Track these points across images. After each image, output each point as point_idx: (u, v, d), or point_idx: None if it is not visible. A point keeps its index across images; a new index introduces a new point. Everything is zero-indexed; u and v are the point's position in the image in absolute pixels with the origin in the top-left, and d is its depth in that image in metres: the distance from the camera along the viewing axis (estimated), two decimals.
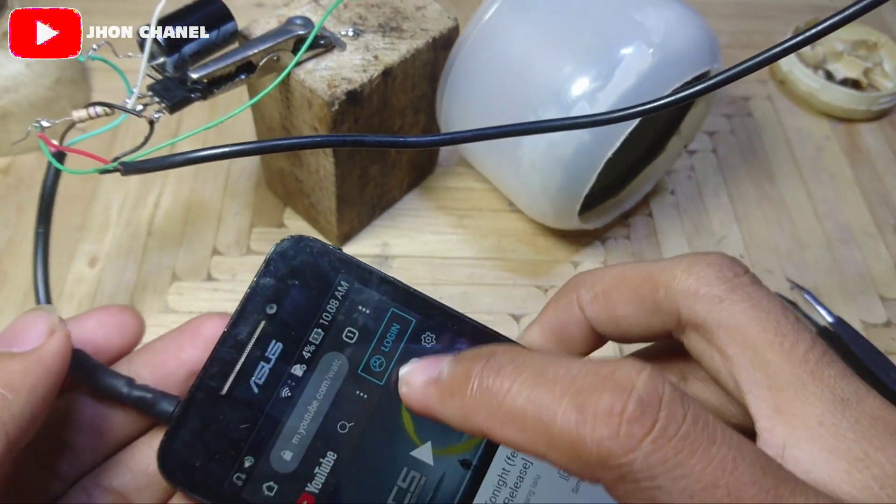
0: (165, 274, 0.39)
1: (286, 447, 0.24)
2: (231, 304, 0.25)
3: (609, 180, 0.41)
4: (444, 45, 0.35)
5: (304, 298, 0.25)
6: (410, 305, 0.26)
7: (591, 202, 0.41)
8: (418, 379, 0.23)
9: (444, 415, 0.21)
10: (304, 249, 0.25)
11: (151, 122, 0.26)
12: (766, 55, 0.23)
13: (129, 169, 0.23)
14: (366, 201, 0.40)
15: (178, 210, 0.42)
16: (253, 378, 0.24)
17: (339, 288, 0.25)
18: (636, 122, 0.32)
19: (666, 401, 0.18)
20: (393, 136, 0.23)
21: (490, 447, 0.25)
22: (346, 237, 0.41)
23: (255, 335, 0.24)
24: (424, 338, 0.25)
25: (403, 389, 0.23)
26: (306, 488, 0.24)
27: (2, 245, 0.40)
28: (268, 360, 0.24)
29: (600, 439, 0.18)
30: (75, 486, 0.23)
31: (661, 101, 0.25)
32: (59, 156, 0.24)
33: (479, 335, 0.26)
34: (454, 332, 0.26)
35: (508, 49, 0.34)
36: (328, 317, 0.25)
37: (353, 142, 0.25)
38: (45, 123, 0.24)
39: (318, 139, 0.25)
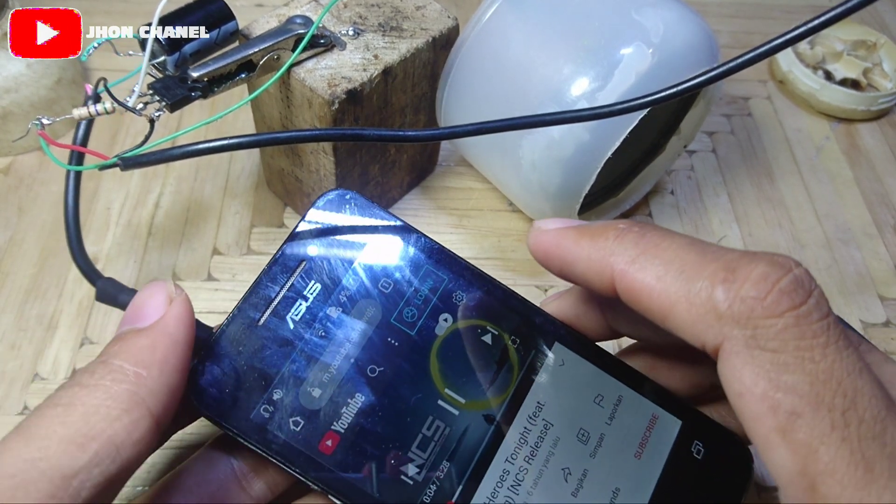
0: (166, 274, 0.39)
1: (316, 384, 0.24)
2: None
3: (609, 180, 0.41)
4: (443, 44, 0.35)
5: (344, 246, 0.26)
6: (444, 264, 0.27)
7: (591, 202, 0.41)
8: (554, 224, 0.24)
9: (575, 252, 0.22)
10: (349, 202, 0.26)
11: (152, 121, 0.26)
12: (770, 45, 0.22)
13: (128, 163, 0.23)
14: None
15: (179, 210, 0.42)
16: (290, 314, 0.25)
17: (378, 240, 0.26)
18: (635, 121, 0.32)
19: (817, 293, 0.19)
20: (392, 131, 0.23)
21: (513, 405, 0.25)
22: None
23: (296, 273, 0.25)
24: (455, 295, 0.26)
25: (534, 234, 0.24)
26: (332, 427, 0.24)
27: (2, 245, 0.40)
28: (305, 299, 0.25)
29: (745, 297, 0.18)
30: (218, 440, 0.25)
31: (664, 93, 0.25)
32: (80, 157, 0.24)
33: (510, 299, 0.27)
34: (485, 293, 0.27)
35: (508, 49, 0.34)
36: (365, 265, 0.26)
37: (353, 136, 0.26)
38: (45, 121, 0.24)
39: (317, 132, 0.25)
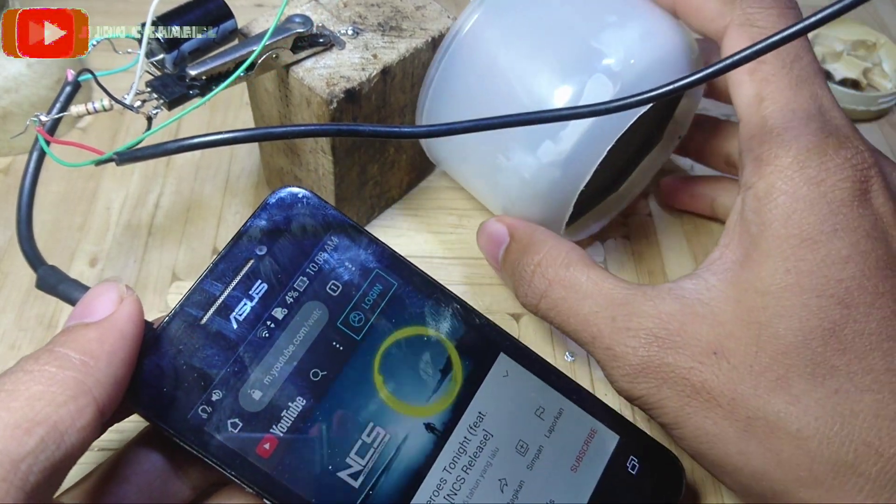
0: (166, 273, 0.40)
1: (256, 386, 0.24)
2: None
3: (606, 178, 0.41)
4: None
5: (294, 246, 0.25)
6: (394, 269, 0.26)
7: (590, 202, 0.41)
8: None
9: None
10: (301, 201, 0.26)
11: (149, 119, 0.26)
12: (761, 45, 0.22)
13: (124, 158, 0.23)
14: (365, 200, 0.40)
15: (179, 210, 0.42)
16: (234, 313, 0.24)
17: (329, 242, 0.26)
18: (600, 158, 0.31)
19: None
20: (388, 126, 0.23)
21: (455, 415, 0.26)
22: None
23: (242, 272, 0.24)
24: (403, 302, 0.26)
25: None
26: (271, 430, 0.24)
27: (2, 245, 0.40)
28: (251, 298, 0.24)
29: None
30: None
31: (631, 100, 0.24)
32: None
33: (458, 308, 0.27)
34: (434, 300, 0.27)
35: (480, 69, 0.32)
36: (314, 267, 0.25)
37: (348, 131, 0.25)
38: (43, 117, 0.24)
39: (312, 128, 0.25)
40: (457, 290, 0.41)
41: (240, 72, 0.27)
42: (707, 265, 0.28)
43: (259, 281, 0.25)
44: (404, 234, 0.42)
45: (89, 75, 0.25)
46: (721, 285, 0.26)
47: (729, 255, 0.27)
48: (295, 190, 0.26)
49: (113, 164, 0.23)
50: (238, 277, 0.24)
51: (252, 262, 0.25)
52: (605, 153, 0.31)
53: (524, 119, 0.25)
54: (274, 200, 0.26)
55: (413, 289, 0.26)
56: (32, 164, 0.24)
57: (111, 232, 0.41)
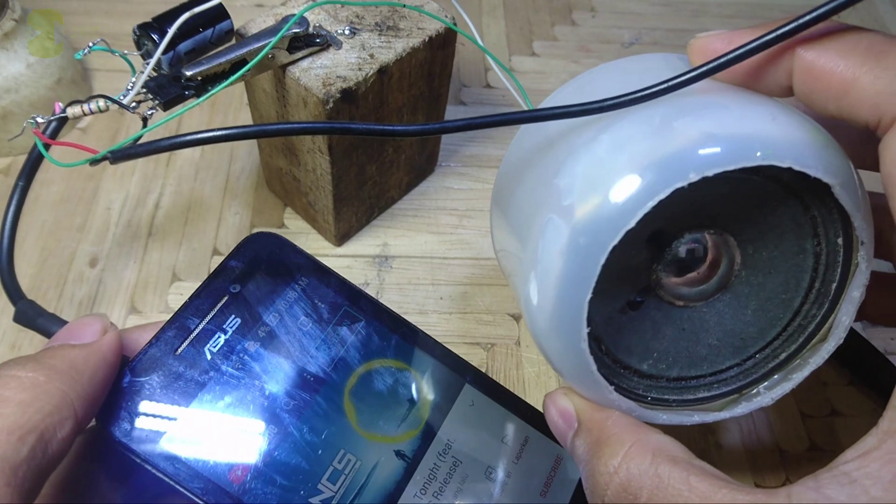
0: (166, 274, 0.40)
1: (229, 414, 0.25)
2: None
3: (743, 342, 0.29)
4: (440, 44, 0.35)
5: (267, 285, 0.27)
6: (361, 306, 0.28)
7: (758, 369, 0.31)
8: (720, 31, 0.23)
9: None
10: (274, 243, 0.28)
11: (145, 119, 0.27)
12: (749, 46, 0.21)
13: (118, 156, 0.23)
14: (363, 200, 0.40)
15: (179, 210, 0.42)
16: (208, 345, 0.25)
17: (300, 282, 0.28)
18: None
19: None
20: (382, 125, 0.24)
21: (424, 443, 0.27)
22: (345, 236, 0.41)
23: (217, 307, 0.26)
24: (371, 336, 0.28)
25: (700, 41, 0.23)
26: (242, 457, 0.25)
27: None
28: (224, 332, 0.26)
29: None
30: None
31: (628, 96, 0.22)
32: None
33: (424, 343, 0.29)
34: (400, 335, 0.28)
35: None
36: (286, 304, 0.27)
37: (342, 129, 0.26)
38: (39, 119, 0.24)
39: (306, 125, 0.26)
40: (457, 290, 0.42)
41: (237, 76, 0.28)
42: (859, 458, 0.19)
43: (233, 316, 0.26)
44: (404, 234, 0.42)
45: (102, 47, 0.26)
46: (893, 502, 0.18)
47: None
48: (269, 233, 0.28)
49: (114, 165, 0.24)
50: (213, 312, 0.26)
51: (226, 298, 0.26)
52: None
53: (524, 117, 0.25)
54: (249, 242, 0.27)
55: (380, 325, 0.28)
56: (16, 200, 0.26)
57: (111, 232, 0.41)
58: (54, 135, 0.25)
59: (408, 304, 0.40)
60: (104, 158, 0.23)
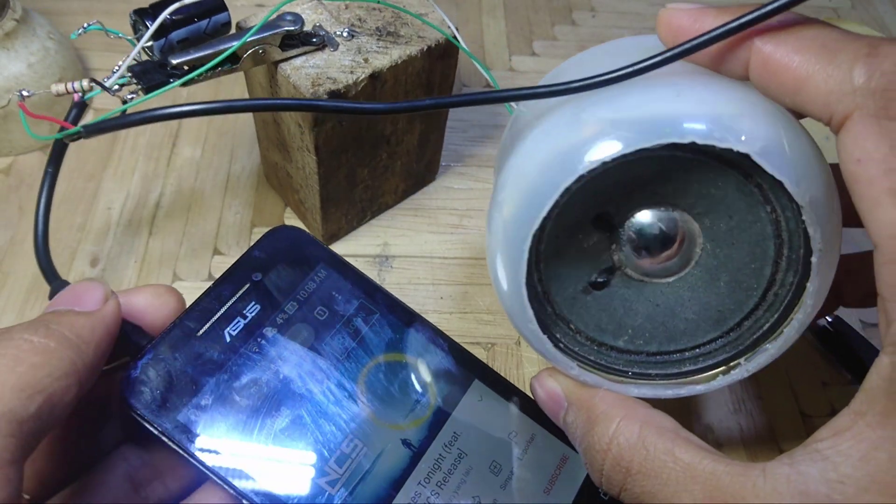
0: (166, 273, 0.40)
1: (244, 395, 0.26)
2: None
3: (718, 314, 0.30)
4: (440, 54, 0.35)
5: (287, 275, 0.28)
6: (377, 300, 0.29)
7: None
8: (689, 5, 0.23)
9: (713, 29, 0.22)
10: (296, 237, 0.29)
11: (124, 102, 0.27)
12: (721, 29, 0.21)
13: (90, 130, 0.24)
14: (354, 203, 0.40)
15: (179, 210, 0.42)
16: (228, 328, 0.27)
17: (319, 273, 0.29)
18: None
19: None
20: (353, 103, 0.25)
21: (431, 434, 0.27)
22: (333, 237, 0.41)
23: (238, 294, 0.27)
24: (385, 329, 0.29)
25: (667, 12, 0.23)
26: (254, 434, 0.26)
27: (3, 245, 0.40)
28: (244, 317, 0.27)
29: (886, 71, 0.19)
30: (115, 453, 0.26)
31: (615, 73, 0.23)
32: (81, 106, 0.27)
33: (436, 338, 0.29)
34: (414, 329, 0.29)
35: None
36: (304, 294, 0.28)
37: (309, 106, 0.27)
38: (25, 93, 0.26)
39: (272, 101, 0.27)
40: (457, 290, 0.42)
41: (214, 63, 0.28)
42: (832, 437, 0.20)
43: (253, 302, 0.27)
44: (405, 234, 0.42)
45: (97, 26, 0.27)
46: (862, 479, 0.19)
47: (868, 431, 0.19)
48: (292, 227, 0.29)
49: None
50: (234, 298, 0.27)
51: (248, 285, 0.27)
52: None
53: (484, 98, 0.26)
54: (272, 234, 0.29)
55: (395, 318, 0.29)
56: (47, 185, 0.27)
57: (112, 232, 0.41)
58: (77, 119, 0.26)
59: (408, 304, 0.40)
60: (77, 133, 0.24)
